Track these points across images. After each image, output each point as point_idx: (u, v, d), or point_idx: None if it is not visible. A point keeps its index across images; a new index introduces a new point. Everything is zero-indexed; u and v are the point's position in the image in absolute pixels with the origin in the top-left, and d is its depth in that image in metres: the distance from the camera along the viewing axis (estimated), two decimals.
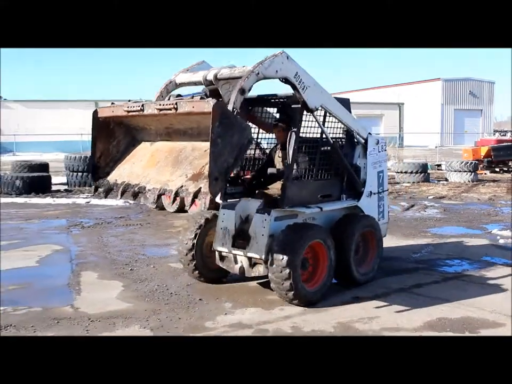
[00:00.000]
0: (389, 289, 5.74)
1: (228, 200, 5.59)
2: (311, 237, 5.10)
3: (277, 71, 4.81)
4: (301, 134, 5.40)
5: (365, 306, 5.18)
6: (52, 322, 4.80)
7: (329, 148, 5.70)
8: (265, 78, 4.81)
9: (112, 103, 5.08)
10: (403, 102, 48.34)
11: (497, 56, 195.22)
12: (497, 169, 20.48)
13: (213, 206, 6.30)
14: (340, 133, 6.03)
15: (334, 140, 5.72)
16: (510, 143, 21.58)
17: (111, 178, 5.18)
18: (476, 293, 5.60)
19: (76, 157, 15.64)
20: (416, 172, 17.06)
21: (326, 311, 5.06)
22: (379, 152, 6.23)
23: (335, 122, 5.82)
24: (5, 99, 39.03)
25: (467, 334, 4.40)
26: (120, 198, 5.48)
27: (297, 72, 4.97)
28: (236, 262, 5.44)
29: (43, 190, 13.91)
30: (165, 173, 4.73)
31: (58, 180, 16.45)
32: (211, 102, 3.96)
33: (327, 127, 5.74)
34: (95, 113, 5.14)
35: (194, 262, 5.64)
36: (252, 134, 4.82)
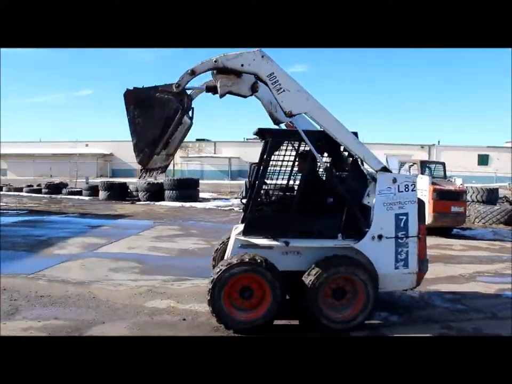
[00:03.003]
0: None
1: None
2: (240, 270, 5.19)
3: (242, 65, 5.04)
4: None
5: None
6: None
7: (319, 179, 5.65)
8: (226, 68, 5.08)
9: None
10: None
11: None
12: None
13: (150, 174, 5.70)
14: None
15: (327, 167, 5.54)
16: None
17: None
18: None
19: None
20: None
21: None
22: (399, 192, 5.46)
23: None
24: None
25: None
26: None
27: (272, 73, 5.09)
28: None
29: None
30: None
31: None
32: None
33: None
34: None
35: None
36: (179, 104, 5.06)
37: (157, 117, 4.94)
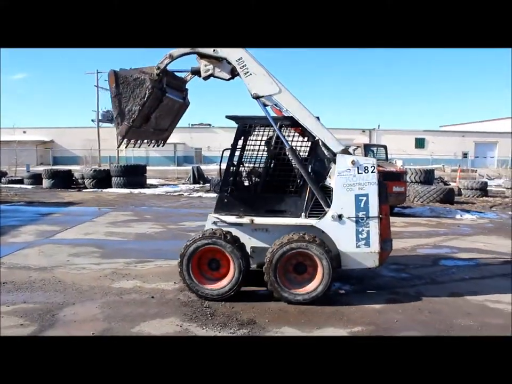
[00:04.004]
0: (492, 273, 7.37)
1: None
2: (202, 243, 5.71)
3: (214, 50, 5.64)
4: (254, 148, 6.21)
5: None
6: None
7: (285, 161, 5.94)
8: (200, 53, 5.75)
9: None
10: None
11: None
12: None
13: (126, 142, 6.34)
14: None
15: (291, 147, 5.81)
16: None
17: None
18: None
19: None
20: None
21: None
22: (359, 173, 5.62)
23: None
24: (212, 126, 56.14)
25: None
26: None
27: (241, 58, 5.61)
28: None
29: None
30: None
31: None
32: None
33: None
34: None
35: None
36: (154, 83, 5.75)
37: (134, 95, 5.68)
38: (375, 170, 5.68)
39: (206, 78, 6.00)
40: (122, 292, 6.08)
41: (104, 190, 20.62)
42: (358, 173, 5.65)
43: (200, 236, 5.73)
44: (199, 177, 25.44)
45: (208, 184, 22.41)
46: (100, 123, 45.42)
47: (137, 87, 5.68)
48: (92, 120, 46.04)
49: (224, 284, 5.75)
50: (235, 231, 5.97)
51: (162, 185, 24.19)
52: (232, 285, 5.68)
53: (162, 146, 7.29)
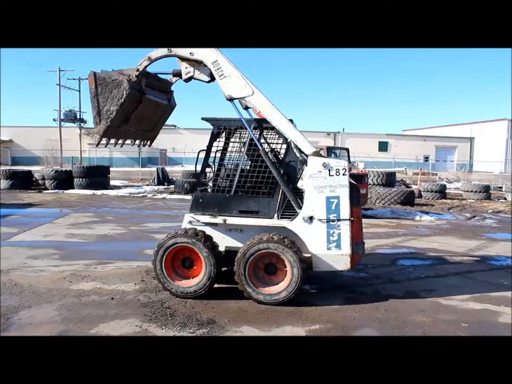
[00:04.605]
0: (446, 272, 7.63)
1: None
2: (173, 242, 5.83)
3: (191, 53, 5.82)
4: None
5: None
6: None
7: (258, 162, 5.95)
8: (177, 55, 5.93)
9: None
10: (474, 136, 61.07)
11: None
12: None
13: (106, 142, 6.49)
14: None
15: (263, 149, 5.81)
16: None
17: None
18: None
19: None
20: (480, 191, 21.45)
21: None
22: (330, 176, 5.63)
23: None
24: (178, 127, 55.35)
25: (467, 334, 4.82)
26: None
27: (216, 60, 5.74)
28: None
29: None
30: None
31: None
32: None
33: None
34: None
35: None
36: (133, 84, 5.94)
37: (112, 96, 5.87)
38: (347, 173, 5.67)
39: (187, 80, 6.16)
40: (81, 294, 5.99)
41: (66, 191, 20.17)
42: (330, 175, 5.66)
43: (171, 235, 5.84)
44: (163, 178, 25.22)
45: (173, 186, 22.27)
46: (62, 123, 44.41)
47: (115, 88, 5.86)
48: (54, 120, 45.00)
49: (192, 283, 5.83)
50: (210, 231, 6.07)
51: (126, 186, 23.85)
52: (202, 284, 5.76)
53: (149, 146, 7.41)
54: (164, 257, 5.82)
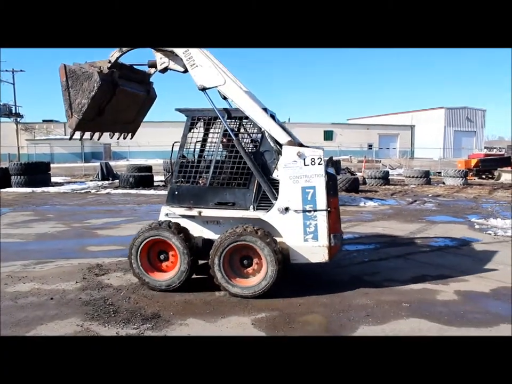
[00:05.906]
0: (389, 255, 7.92)
1: None
2: (149, 235, 5.76)
3: None
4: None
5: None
6: None
7: (233, 153, 5.80)
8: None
9: None
10: (414, 124, 64.50)
11: (490, 85, 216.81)
12: (483, 176, 26.71)
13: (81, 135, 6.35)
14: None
15: (237, 139, 5.67)
16: (494, 157, 30.47)
17: None
18: (452, 259, 7.73)
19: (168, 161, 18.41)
20: (421, 177, 22.51)
21: None
22: (305, 165, 5.46)
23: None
24: None
25: (466, 333, 4.74)
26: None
27: (187, 50, 5.65)
28: None
29: (148, 185, 20.73)
30: None
31: (158, 178, 23.21)
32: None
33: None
34: None
35: None
36: (103, 76, 5.83)
37: (83, 88, 5.75)
38: (323, 162, 5.50)
39: (162, 71, 6.11)
40: (17, 296, 5.70)
41: (3, 190, 19.17)
42: (305, 164, 5.49)
43: (146, 229, 5.78)
44: (107, 173, 24.52)
45: (117, 181, 21.71)
46: None
47: (86, 81, 5.74)
48: None
49: (166, 277, 5.78)
50: (187, 223, 5.99)
51: (69, 182, 23.00)
52: (177, 277, 5.69)
53: (131, 138, 7.26)
54: (139, 250, 5.74)
